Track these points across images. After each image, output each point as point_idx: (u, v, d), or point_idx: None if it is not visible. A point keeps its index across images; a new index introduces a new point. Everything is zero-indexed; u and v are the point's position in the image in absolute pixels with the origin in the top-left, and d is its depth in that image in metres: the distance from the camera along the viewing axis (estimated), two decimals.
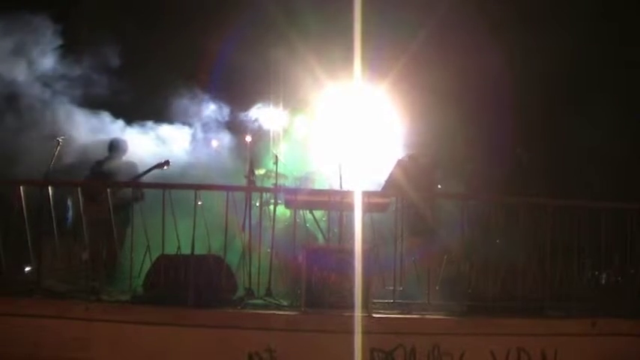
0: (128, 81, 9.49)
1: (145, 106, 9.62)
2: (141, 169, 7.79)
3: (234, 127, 10.17)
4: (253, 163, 7.88)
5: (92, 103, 9.15)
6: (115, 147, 8.11)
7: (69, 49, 9.01)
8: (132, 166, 7.96)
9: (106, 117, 9.25)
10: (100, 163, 8.00)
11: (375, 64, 9.26)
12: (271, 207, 7.72)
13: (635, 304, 6.68)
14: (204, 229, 6.61)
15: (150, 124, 9.54)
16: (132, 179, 7.61)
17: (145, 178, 7.65)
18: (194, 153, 9.78)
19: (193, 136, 9.95)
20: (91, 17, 9.43)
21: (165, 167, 7.77)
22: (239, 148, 9.80)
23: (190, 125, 9.95)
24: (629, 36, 9.39)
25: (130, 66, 9.47)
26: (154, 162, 7.87)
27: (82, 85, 9.07)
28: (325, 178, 8.80)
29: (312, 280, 6.25)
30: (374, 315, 6.19)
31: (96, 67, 9.25)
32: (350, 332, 5.93)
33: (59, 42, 8.76)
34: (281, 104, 10.23)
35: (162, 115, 9.72)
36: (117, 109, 9.49)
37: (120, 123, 9.30)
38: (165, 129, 9.69)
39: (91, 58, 9.21)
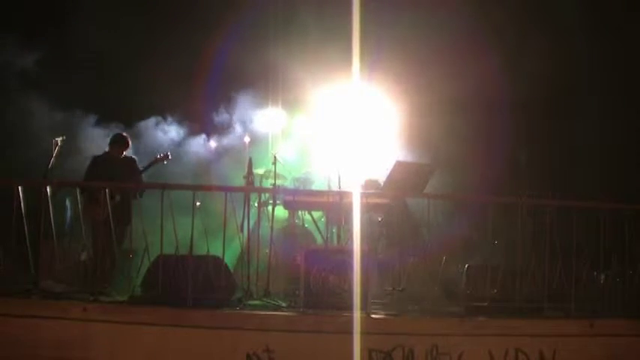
0: (125, 81, 9.51)
1: (140, 107, 9.63)
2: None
3: (233, 127, 10.19)
4: (252, 164, 7.87)
5: (83, 103, 9.17)
6: (117, 141, 7.76)
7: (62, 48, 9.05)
8: (133, 162, 7.78)
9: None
10: (98, 158, 7.73)
11: (374, 64, 9.27)
12: (270, 207, 7.71)
13: (634, 304, 6.69)
14: (203, 229, 6.60)
15: (145, 124, 9.56)
16: (135, 175, 7.48)
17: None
18: (192, 153, 9.81)
19: (192, 137, 9.97)
20: (89, 15, 9.44)
21: (165, 162, 7.70)
22: (238, 148, 9.82)
23: (189, 125, 9.97)
24: (629, 36, 9.39)
25: (126, 65, 9.49)
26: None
27: (73, 85, 9.09)
28: (324, 179, 8.80)
29: (311, 280, 6.24)
30: (372, 315, 6.18)
31: (90, 65, 9.28)
32: (348, 333, 5.92)
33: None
34: (280, 104, 10.23)
35: (157, 115, 9.74)
36: (113, 109, 9.52)
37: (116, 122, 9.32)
38: (162, 129, 9.70)
39: (85, 56, 9.24)
